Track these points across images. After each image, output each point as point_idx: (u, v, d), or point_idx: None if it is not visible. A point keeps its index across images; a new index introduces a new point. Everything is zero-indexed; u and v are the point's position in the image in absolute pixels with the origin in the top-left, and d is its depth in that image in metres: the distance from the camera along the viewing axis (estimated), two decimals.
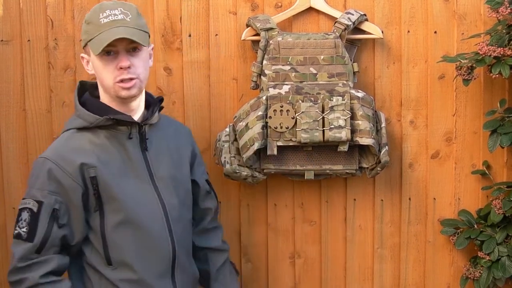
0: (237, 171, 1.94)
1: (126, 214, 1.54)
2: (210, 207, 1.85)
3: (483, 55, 1.88)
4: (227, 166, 1.94)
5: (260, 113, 1.92)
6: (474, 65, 1.92)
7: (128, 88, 1.53)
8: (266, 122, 1.92)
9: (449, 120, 2.11)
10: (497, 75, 1.88)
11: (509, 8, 1.85)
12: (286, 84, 1.94)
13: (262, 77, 1.96)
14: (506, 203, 1.97)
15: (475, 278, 2.04)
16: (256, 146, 1.90)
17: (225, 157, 1.95)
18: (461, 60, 1.95)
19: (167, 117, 1.82)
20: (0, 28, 2.06)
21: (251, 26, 2.00)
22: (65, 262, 1.53)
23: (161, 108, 1.72)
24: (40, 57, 2.07)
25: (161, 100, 1.70)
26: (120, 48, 1.51)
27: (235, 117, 1.99)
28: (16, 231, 1.50)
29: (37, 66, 2.07)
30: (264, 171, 1.99)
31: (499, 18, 1.91)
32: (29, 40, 2.06)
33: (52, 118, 2.09)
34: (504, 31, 1.91)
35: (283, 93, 1.93)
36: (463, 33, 2.07)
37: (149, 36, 1.62)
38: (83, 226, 1.54)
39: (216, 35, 2.08)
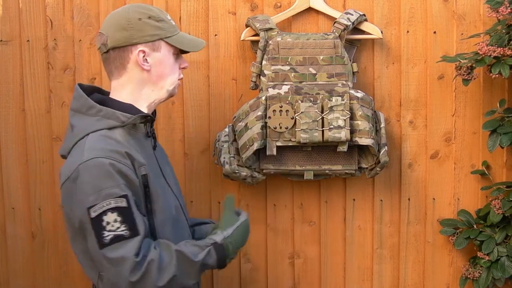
0: (237, 171, 1.94)
1: (169, 210, 1.53)
2: None
3: (483, 55, 1.88)
4: (227, 166, 1.94)
5: (259, 113, 1.92)
6: (473, 65, 1.92)
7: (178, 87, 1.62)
8: (266, 122, 1.92)
9: (449, 120, 2.11)
10: (497, 75, 1.88)
11: (509, 8, 1.85)
12: (286, 84, 1.94)
13: (261, 77, 1.96)
14: (506, 203, 1.97)
15: (475, 278, 2.05)
16: (255, 146, 1.90)
17: (224, 157, 1.95)
18: (461, 60, 1.95)
19: None
20: None
21: (250, 26, 2.00)
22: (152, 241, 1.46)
23: None
24: (40, 57, 2.07)
25: None
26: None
27: (235, 117, 1.99)
28: (109, 236, 1.36)
29: (37, 66, 2.07)
30: (264, 171, 1.99)
31: (499, 18, 1.91)
32: (28, 40, 2.06)
33: (52, 118, 2.09)
34: (503, 31, 1.91)
35: (283, 93, 1.93)
36: (462, 33, 2.07)
37: None
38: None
39: (216, 35, 2.08)
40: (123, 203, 1.37)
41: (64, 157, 1.51)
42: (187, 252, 1.43)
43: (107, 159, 1.39)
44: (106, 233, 1.36)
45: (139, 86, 1.54)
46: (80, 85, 1.55)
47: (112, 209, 1.36)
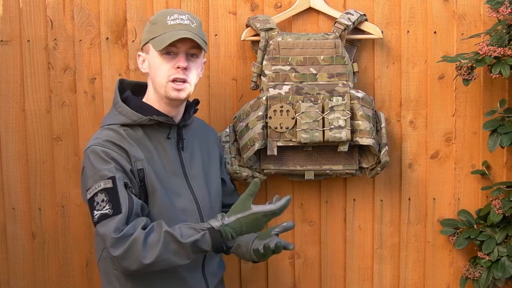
0: (238, 171, 1.94)
1: (162, 207, 1.57)
2: None
3: (483, 55, 1.88)
4: (228, 166, 1.94)
5: (260, 113, 1.92)
6: (474, 65, 1.92)
7: (179, 90, 1.59)
8: (266, 122, 1.92)
9: (449, 120, 2.11)
10: (497, 75, 1.88)
11: (509, 8, 1.85)
12: (286, 85, 1.94)
13: (262, 77, 1.96)
14: (506, 203, 1.97)
15: (475, 278, 2.05)
16: (256, 146, 1.90)
17: (225, 158, 1.95)
18: (461, 60, 1.95)
19: (195, 116, 1.83)
20: (0, 28, 2.06)
21: (250, 26, 2.00)
22: (149, 222, 1.52)
23: (196, 110, 1.76)
24: (40, 57, 2.07)
25: (197, 103, 1.76)
26: (181, 50, 1.58)
27: (235, 117, 1.99)
28: (97, 215, 1.48)
29: (37, 66, 2.07)
30: (264, 171, 1.99)
31: (499, 18, 1.91)
32: (28, 40, 2.06)
33: (52, 118, 2.08)
34: (504, 31, 1.91)
35: (283, 93, 1.93)
36: (462, 33, 2.07)
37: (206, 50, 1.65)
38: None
39: (216, 35, 2.08)
40: (109, 184, 1.49)
41: None
42: (176, 234, 1.46)
43: (100, 146, 1.53)
44: (95, 212, 1.49)
45: (151, 87, 1.65)
46: (122, 80, 1.70)
47: (101, 191, 1.50)
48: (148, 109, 1.61)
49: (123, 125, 1.60)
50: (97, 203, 1.49)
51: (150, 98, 1.65)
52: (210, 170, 1.74)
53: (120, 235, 1.45)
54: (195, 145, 1.73)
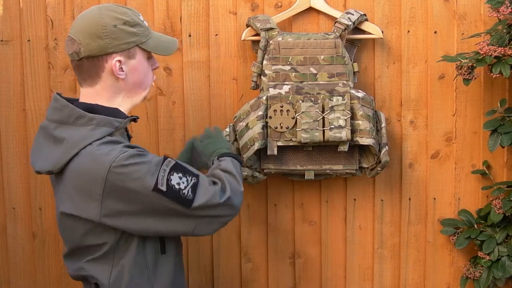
0: None
1: None
2: None
3: (484, 55, 1.88)
4: None
5: (260, 113, 1.92)
6: (474, 64, 1.92)
7: None
8: (266, 122, 1.92)
9: (449, 120, 2.11)
10: (497, 75, 1.88)
11: (509, 8, 1.85)
12: (286, 84, 1.94)
13: (262, 77, 1.96)
14: (506, 203, 1.97)
15: (475, 278, 2.05)
16: (256, 146, 1.90)
17: None
18: (462, 60, 1.95)
19: None
20: (0, 28, 2.06)
21: (251, 26, 2.00)
22: None
23: None
24: (40, 57, 2.07)
25: None
26: None
27: (235, 117, 1.99)
28: (188, 190, 1.41)
29: (37, 66, 2.07)
30: (264, 171, 1.99)
31: (499, 17, 1.91)
32: (29, 40, 2.06)
33: None
34: (504, 30, 1.91)
35: (283, 93, 1.93)
36: (463, 33, 2.07)
37: None
38: None
39: (216, 35, 2.08)
40: (171, 162, 1.43)
41: (50, 173, 1.43)
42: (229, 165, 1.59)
43: (128, 152, 1.38)
44: (185, 192, 1.41)
45: (115, 94, 1.49)
46: (59, 94, 1.48)
47: (170, 172, 1.41)
48: (118, 113, 1.48)
49: (109, 135, 1.43)
50: (177, 183, 1.40)
51: (120, 103, 1.50)
52: None
53: (219, 185, 1.49)
54: None
